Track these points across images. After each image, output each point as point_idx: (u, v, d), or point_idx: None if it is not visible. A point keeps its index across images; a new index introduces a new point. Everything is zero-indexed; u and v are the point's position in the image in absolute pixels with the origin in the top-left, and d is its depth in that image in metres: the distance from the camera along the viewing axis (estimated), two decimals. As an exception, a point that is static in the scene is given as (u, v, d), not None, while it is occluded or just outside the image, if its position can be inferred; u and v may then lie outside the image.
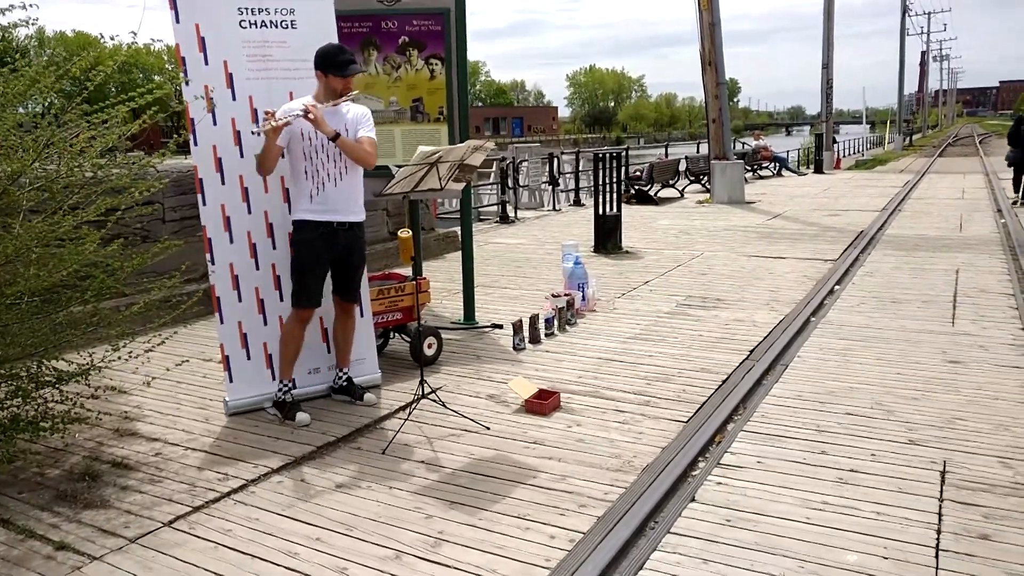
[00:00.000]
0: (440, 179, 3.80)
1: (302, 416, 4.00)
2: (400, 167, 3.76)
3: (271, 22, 4.27)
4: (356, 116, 4.04)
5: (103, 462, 3.58)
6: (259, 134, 3.81)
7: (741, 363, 4.83)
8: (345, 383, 4.34)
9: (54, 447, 3.75)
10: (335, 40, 4.34)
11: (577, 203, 15.23)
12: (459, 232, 6.81)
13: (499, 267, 8.45)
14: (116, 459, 3.61)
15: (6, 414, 3.50)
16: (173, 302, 3.99)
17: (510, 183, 13.11)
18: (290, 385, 4.15)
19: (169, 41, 4.12)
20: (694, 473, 3.37)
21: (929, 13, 60.05)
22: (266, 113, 3.81)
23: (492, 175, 14.37)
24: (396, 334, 5.25)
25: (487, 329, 5.79)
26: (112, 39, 3.64)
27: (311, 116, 3.77)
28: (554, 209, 14.38)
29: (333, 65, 3.90)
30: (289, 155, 4.01)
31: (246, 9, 4.20)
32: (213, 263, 4.14)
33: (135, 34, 3.80)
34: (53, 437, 3.68)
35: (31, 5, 3.36)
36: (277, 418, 4.06)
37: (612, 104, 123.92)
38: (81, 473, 3.45)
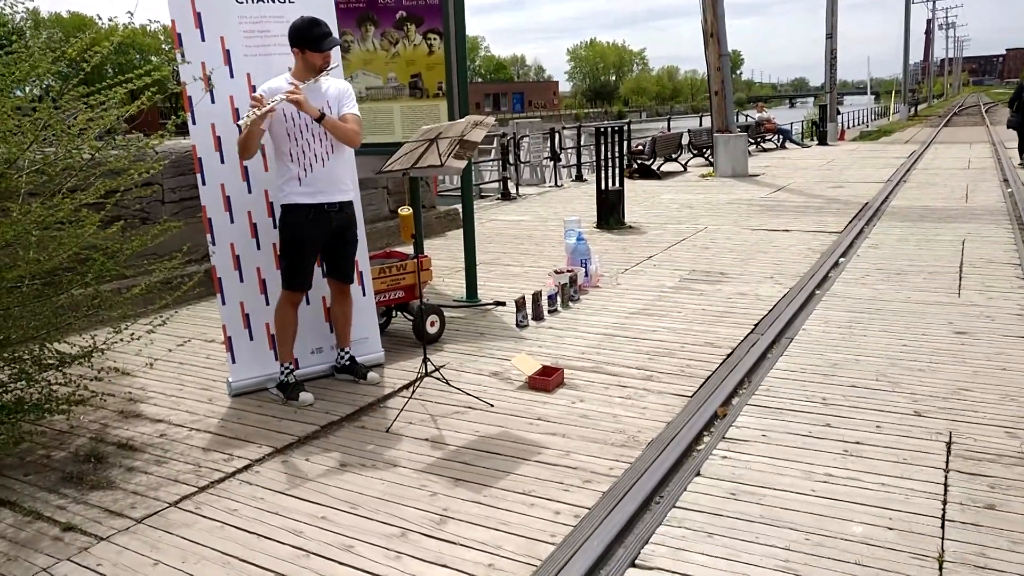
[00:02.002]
0: (440, 155, 3.76)
1: (305, 396, 4.00)
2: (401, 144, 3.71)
3: None
4: (338, 92, 3.92)
5: (108, 444, 3.59)
6: (243, 127, 3.68)
7: (746, 337, 4.81)
8: (348, 362, 4.33)
9: (59, 429, 3.76)
10: (333, 14, 4.26)
11: (579, 178, 15.15)
12: (460, 209, 6.77)
13: (501, 244, 8.42)
14: (121, 440, 3.62)
15: (11, 397, 3.50)
16: (174, 283, 3.97)
17: (511, 159, 13.03)
18: (291, 367, 4.14)
19: (165, 21, 4.06)
20: (699, 447, 3.37)
21: (934, -20, 59.19)
22: (252, 99, 3.68)
23: (493, 151, 14.28)
24: (398, 312, 5.24)
25: (490, 306, 5.77)
26: (110, 20, 3.59)
27: (295, 98, 3.66)
28: (556, 185, 14.31)
29: (309, 40, 3.77)
30: (272, 136, 3.89)
31: None
32: (214, 243, 4.11)
33: (131, 14, 3.75)
34: (58, 419, 3.69)
35: None
36: (280, 398, 4.06)
37: (613, 78, 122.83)
38: (87, 455, 3.46)
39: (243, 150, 3.82)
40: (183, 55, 3.92)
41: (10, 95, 3.39)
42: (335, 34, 3.89)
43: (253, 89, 4.10)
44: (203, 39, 4.03)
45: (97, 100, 3.47)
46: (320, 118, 3.75)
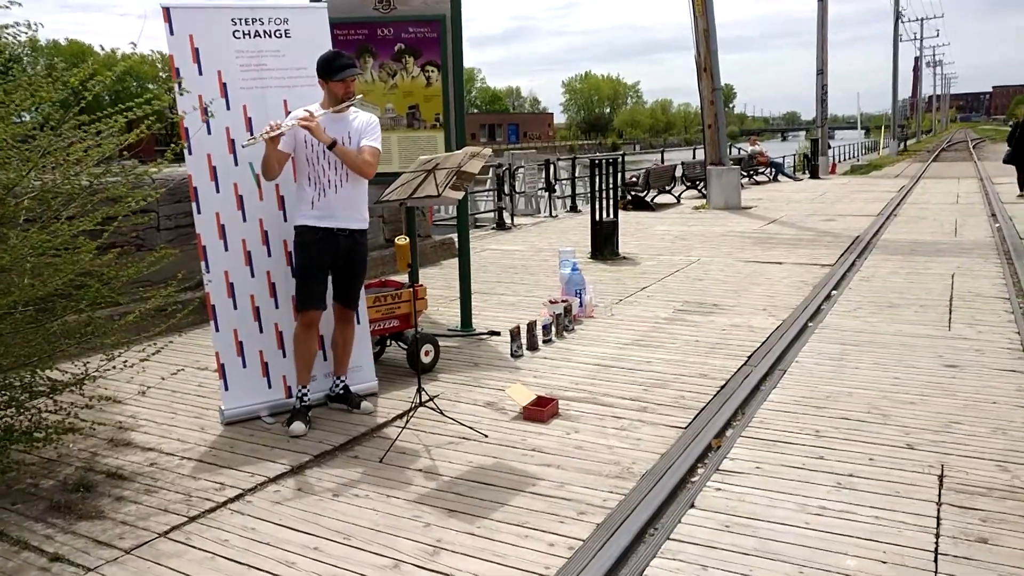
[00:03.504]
0: (437, 186, 3.80)
1: (295, 427, 3.96)
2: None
3: (265, 32, 4.28)
4: (362, 124, 4.07)
5: (98, 472, 3.56)
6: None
7: (739, 368, 4.83)
8: (342, 391, 4.32)
9: (48, 458, 3.73)
10: (328, 48, 4.35)
11: (574, 209, 15.24)
12: (456, 239, 6.80)
13: (496, 274, 8.45)
14: (111, 469, 3.59)
15: None
16: (168, 311, 3.97)
17: (506, 189, 13.11)
18: (305, 391, 4.14)
19: (162, 49, 4.13)
20: (693, 479, 3.36)
21: (922, 19, 60.55)
22: (270, 125, 3.82)
23: (488, 182, 14.38)
24: (393, 341, 5.24)
25: (484, 336, 5.77)
26: (114, 50, 3.66)
27: (308, 124, 3.79)
28: (551, 215, 14.39)
29: (329, 71, 3.94)
30: (295, 161, 4.05)
31: (239, 20, 4.21)
32: (208, 271, 4.13)
33: (134, 44, 3.82)
34: (47, 447, 3.66)
35: (36, 25, 3.39)
36: (280, 423, 4.04)
37: (608, 110, 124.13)
38: (76, 484, 3.42)
39: (264, 171, 4.00)
40: (180, 86, 3.98)
41: (10, 122, 3.41)
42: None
43: (249, 121, 4.20)
44: (200, 73, 4.11)
45: (95, 129, 3.51)
46: (331, 146, 3.87)
